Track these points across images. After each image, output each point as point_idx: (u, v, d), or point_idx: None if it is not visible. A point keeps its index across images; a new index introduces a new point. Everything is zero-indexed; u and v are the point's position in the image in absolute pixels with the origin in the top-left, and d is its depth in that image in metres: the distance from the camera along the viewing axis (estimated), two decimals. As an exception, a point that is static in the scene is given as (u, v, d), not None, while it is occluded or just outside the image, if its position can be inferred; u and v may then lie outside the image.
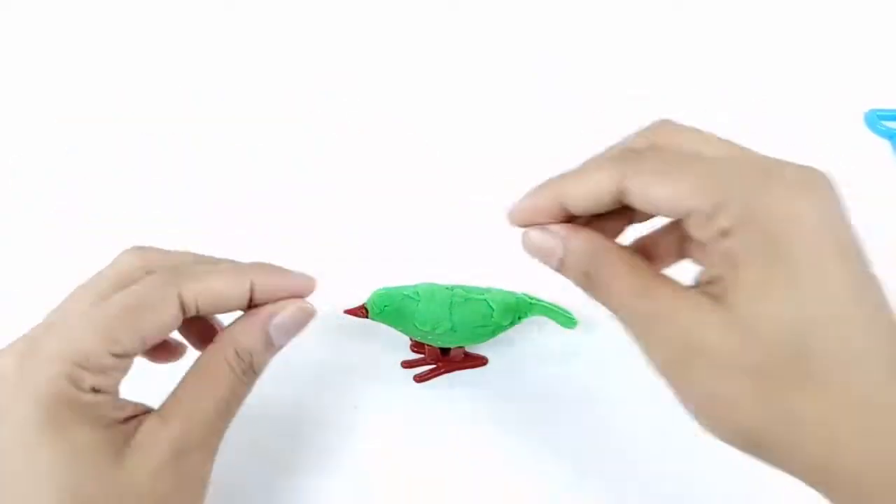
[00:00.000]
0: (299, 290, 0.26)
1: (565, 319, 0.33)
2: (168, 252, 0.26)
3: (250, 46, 0.53)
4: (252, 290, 0.25)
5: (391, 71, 0.51)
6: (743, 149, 0.22)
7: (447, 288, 0.32)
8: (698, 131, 0.23)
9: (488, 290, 0.32)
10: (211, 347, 0.25)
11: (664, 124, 0.23)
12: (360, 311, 0.31)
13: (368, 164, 0.45)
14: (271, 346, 0.26)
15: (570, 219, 0.23)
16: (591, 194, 0.22)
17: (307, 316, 0.26)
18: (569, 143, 0.47)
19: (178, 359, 0.28)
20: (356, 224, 0.41)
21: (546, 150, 0.45)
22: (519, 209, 0.24)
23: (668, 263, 0.25)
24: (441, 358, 0.35)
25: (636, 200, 0.21)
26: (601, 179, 0.22)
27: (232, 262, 0.26)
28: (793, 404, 0.18)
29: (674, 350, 0.20)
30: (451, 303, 0.31)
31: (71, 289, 0.24)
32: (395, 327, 0.32)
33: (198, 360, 0.25)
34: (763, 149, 0.21)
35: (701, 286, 0.21)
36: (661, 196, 0.21)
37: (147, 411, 0.23)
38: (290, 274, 0.26)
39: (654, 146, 0.22)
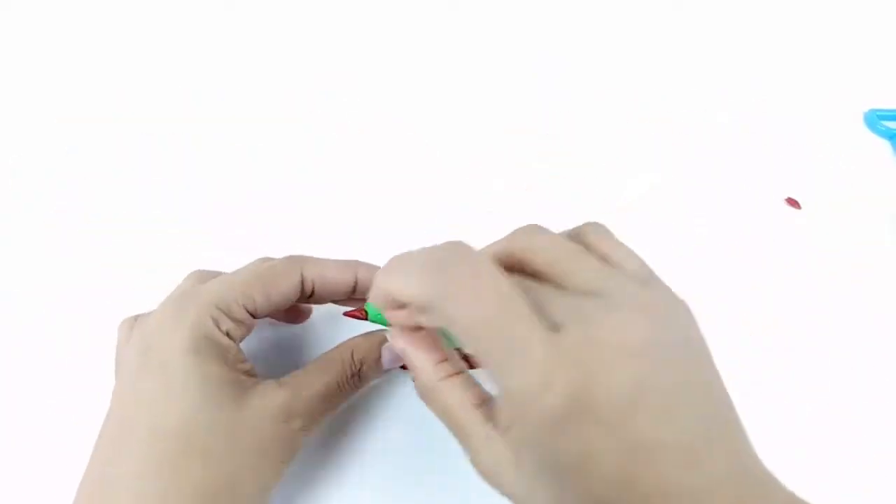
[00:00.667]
0: None
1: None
2: None
3: (250, 46, 0.53)
4: (356, 282, 0.30)
5: (391, 71, 0.51)
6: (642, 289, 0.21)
7: (447, 288, 0.32)
8: (619, 244, 0.23)
9: (488, 291, 0.32)
10: (335, 347, 0.29)
11: (596, 227, 0.23)
12: (360, 313, 0.31)
13: (368, 164, 0.45)
14: (380, 365, 0.30)
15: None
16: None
17: None
18: (568, 143, 0.47)
19: (304, 320, 0.34)
20: (356, 224, 0.41)
21: (546, 149, 0.45)
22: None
23: None
24: (441, 358, 0.35)
25: None
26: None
27: (342, 260, 0.31)
28: None
29: (486, 477, 0.22)
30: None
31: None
32: (395, 328, 0.32)
33: (323, 353, 0.29)
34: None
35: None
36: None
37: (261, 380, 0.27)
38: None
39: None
